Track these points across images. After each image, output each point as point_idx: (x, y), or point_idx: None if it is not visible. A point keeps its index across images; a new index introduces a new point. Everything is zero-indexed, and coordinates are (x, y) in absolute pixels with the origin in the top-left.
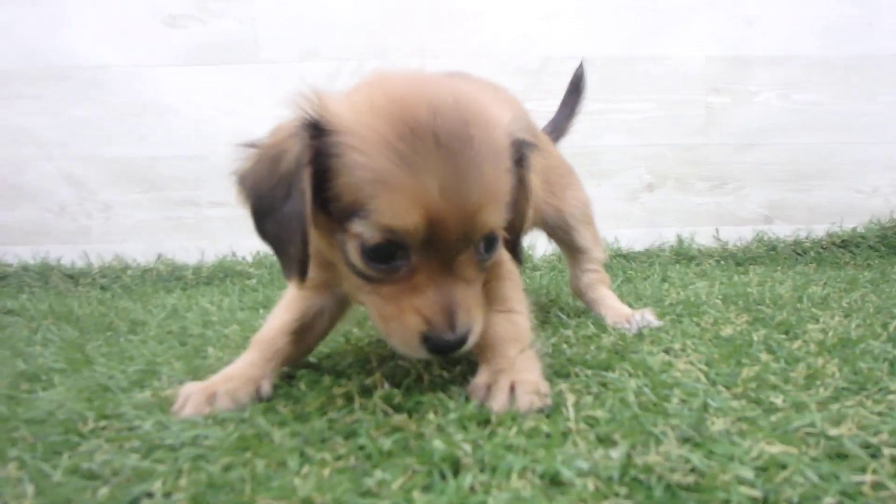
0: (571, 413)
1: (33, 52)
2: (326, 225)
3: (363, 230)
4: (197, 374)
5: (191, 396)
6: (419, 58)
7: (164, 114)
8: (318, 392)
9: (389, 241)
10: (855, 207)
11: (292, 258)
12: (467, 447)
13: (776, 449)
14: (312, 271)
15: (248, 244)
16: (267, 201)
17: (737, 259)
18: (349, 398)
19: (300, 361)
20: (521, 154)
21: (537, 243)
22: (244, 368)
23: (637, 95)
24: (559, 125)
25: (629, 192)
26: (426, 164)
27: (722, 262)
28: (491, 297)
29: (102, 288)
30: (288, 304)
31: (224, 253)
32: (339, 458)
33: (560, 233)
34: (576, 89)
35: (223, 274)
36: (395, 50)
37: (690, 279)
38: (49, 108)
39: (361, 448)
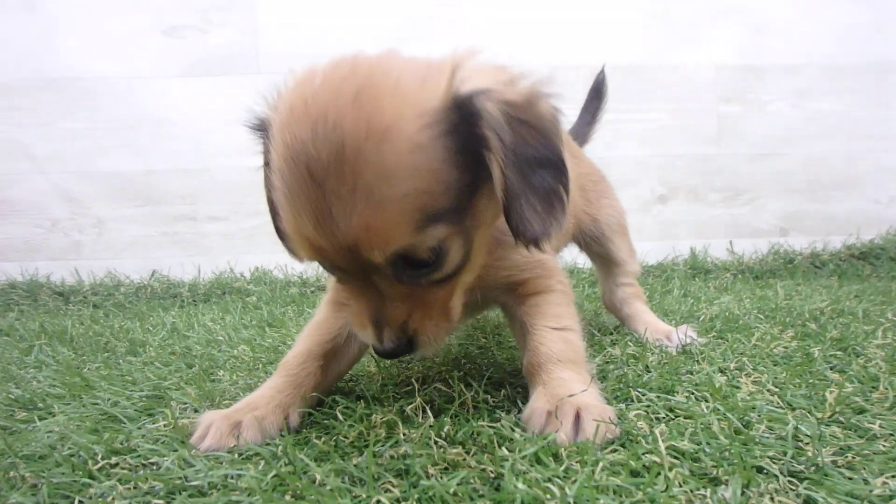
0: (659, 444)
1: (26, 62)
2: None
3: (289, 242)
4: (211, 400)
5: (212, 426)
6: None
7: (161, 126)
8: (354, 420)
9: (308, 254)
10: (872, 217)
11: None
12: (552, 487)
13: None
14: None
15: (248, 260)
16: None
17: (754, 272)
18: (391, 427)
19: (330, 388)
20: (469, 119)
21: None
22: (271, 395)
23: (648, 105)
24: (580, 132)
25: (642, 203)
26: (302, 199)
27: (739, 276)
28: (541, 313)
29: (94, 306)
30: (319, 325)
31: (222, 269)
32: (397, 500)
33: (595, 245)
34: (597, 95)
35: (221, 291)
36: None
37: (713, 294)
38: (42, 121)
39: (423, 490)
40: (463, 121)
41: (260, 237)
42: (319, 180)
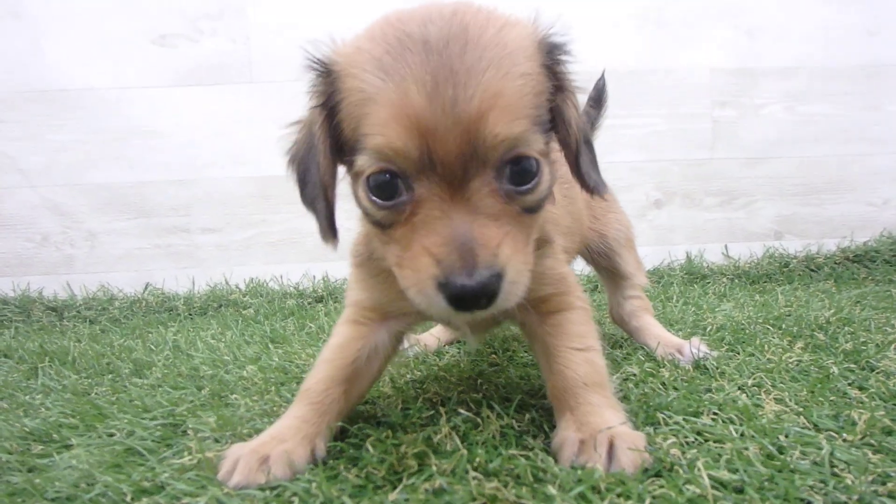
0: (701, 475)
1: (14, 73)
2: (352, 186)
3: (363, 162)
4: (232, 428)
5: (240, 461)
6: None
7: (152, 137)
8: (383, 451)
9: (386, 170)
10: (867, 220)
11: (321, 215)
12: None
13: None
14: (363, 293)
15: (242, 271)
16: (303, 167)
17: (750, 277)
18: (421, 458)
19: (353, 411)
20: (554, 57)
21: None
22: (297, 425)
23: (643, 110)
24: None
25: (637, 209)
26: (412, 70)
27: (736, 281)
28: (563, 333)
29: (90, 321)
30: (339, 348)
31: (217, 281)
32: None
33: (602, 259)
34: (597, 104)
35: (217, 304)
36: None
37: (713, 301)
38: (32, 133)
39: None
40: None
41: (255, 248)
42: (439, 50)
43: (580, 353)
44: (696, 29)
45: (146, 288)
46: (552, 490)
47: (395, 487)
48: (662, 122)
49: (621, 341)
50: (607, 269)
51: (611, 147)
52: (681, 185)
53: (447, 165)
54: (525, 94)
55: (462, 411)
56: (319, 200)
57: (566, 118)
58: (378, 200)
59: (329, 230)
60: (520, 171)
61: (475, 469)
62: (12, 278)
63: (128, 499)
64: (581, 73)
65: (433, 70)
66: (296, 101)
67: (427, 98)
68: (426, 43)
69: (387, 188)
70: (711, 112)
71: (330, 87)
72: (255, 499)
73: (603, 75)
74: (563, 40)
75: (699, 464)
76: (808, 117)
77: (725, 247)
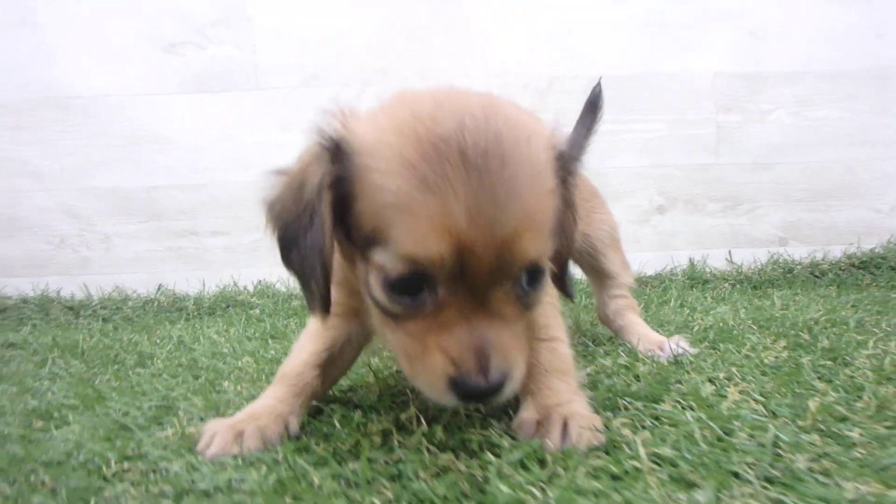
0: (640, 450)
1: (29, 82)
2: (350, 254)
3: (385, 261)
4: (217, 410)
5: (217, 434)
6: (423, 81)
7: (162, 143)
8: (351, 429)
9: (414, 273)
10: (873, 226)
11: (314, 292)
12: (535, 490)
13: (873, 488)
14: (340, 297)
15: (250, 273)
16: (292, 231)
17: (752, 282)
18: (386, 435)
19: (325, 394)
20: (566, 171)
21: None
22: (272, 404)
23: (646, 115)
24: (573, 147)
25: (640, 214)
26: (453, 185)
27: (738, 286)
28: (528, 324)
29: (104, 319)
30: (315, 335)
31: (225, 283)
32: (389, 502)
33: (587, 258)
34: (592, 109)
35: (225, 304)
36: (397, 73)
37: (710, 304)
38: (46, 139)
39: (414, 493)
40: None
41: (261, 251)
42: (479, 166)
43: (545, 342)
44: (700, 32)
45: (159, 289)
46: (491, 457)
47: (358, 460)
48: (666, 127)
49: (604, 339)
50: (593, 268)
51: (613, 152)
52: (684, 190)
53: (476, 276)
54: (550, 211)
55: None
56: (314, 275)
57: (567, 232)
58: (396, 297)
59: (323, 305)
60: (533, 278)
61: (435, 445)
62: (31, 279)
63: (111, 464)
64: (584, 78)
65: (475, 190)
66: (300, 107)
67: (469, 218)
68: (463, 155)
69: (409, 287)
70: (715, 117)
71: (343, 171)
72: (226, 465)
73: (599, 82)
74: (575, 153)
75: (643, 441)
76: (813, 122)
77: (729, 252)
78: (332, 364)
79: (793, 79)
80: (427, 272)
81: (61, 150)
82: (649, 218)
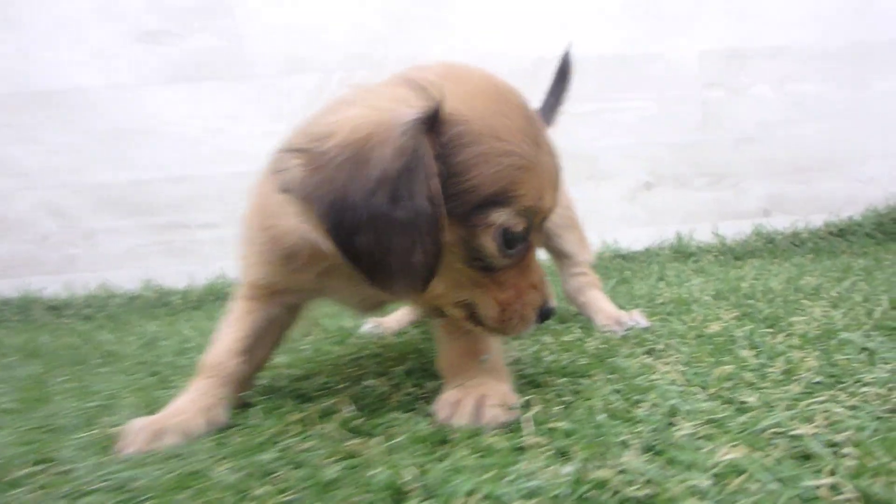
0: (532, 426)
1: (9, 77)
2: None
3: (506, 218)
4: (154, 407)
5: (137, 433)
6: (408, 64)
7: (147, 135)
8: (276, 419)
9: (528, 224)
10: (853, 197)
11: (413, 268)
12: (412, 473)
13: (739, 453)
14: (260, 278)
15: None
16: (360, 211)
17: (735, 253)
18: (307, 424)
19: (254, 379)
20: None
21: None
22: (195, 398)
23: (632, 94)
24: (544, 116)
25: (628, 192)
26: (542, 144)
27: (721, 258)
28: None
29: (86, 318)
30: (236, 320)
31: (216, 275)
32: (281, 491)
33: (545, 240)
34: (562, 77)
35: (213, 297)
36: (382, 59)
37: (687, 276)
38: (28, 136)
39: (305, 479)
40: None
41: None
42: (540, 128)
43: None
44: (685, 11)
45: (145, 285)
46: (398, 440)
47: (273, 447)
48: (653, 106)
49: (569, 317)
50: (550, 249)
51: (602, 132)
52: (671, 167)
53: (542, 223)
54: None
55: (370, 381)
56: (422, 253)
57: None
58: (506, 251)
59: (423, 283)
60: None
61: (351, 431)
62: (15, 279)
63: (24, 467)
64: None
65: (549, 148)
66: (286, 96)
67: (554, 172)
68: (533, 118)
69: (514, 239)
70: (700, 94)
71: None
72: (136, 462)
73: (568, 50)
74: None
75: (547, 417)
76: (796, 97)
77: (716, 226)
78: (257, 348)
79: (775, 55)
80: (534, 222)
81: (44, 147)
82: (638, 195)
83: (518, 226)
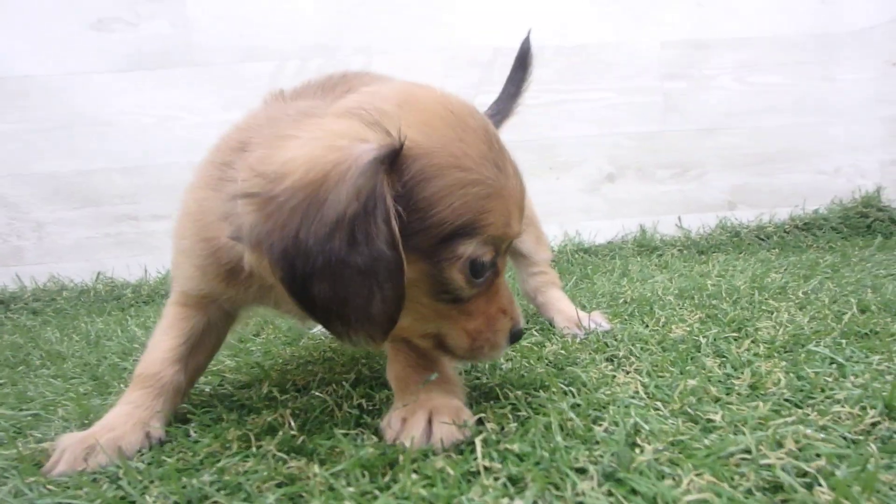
0: (482, 449)
1: None
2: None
3: (474, 248)
4: (89, 418)
5: (66, 450)
6: (364, 55)
7: (98, 124)
8: (214, 436)
9: (495, 252)
10: (818, 189)
11: (373, 318)
12: (360, 502)
13: (704, 481)
14: (194, 282)
15: None
16: (315, 257)
17: (699, 247)
18: (246, 441)
19: (191, 388)
20: None
21: None
22: (129, 411)
23: (594, 84)
24: (503, 106)
25: (590, 183)
26: (506, 169)
27: (685, 252)
28: None
29: (34, 312)
30: (170, 327)
31: (168, 268)
32: None
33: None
34: (521, 65)
35: (165, 291)
36: (336, 48)
37: (651, 272)
38: None
39: None
40: None
41: None
42: (501, 149)
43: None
44: (647, 2)
45: (97, 277)
46: (341, 464)
47: (209, 470)
48: (614, 97)
49: (527, 317)
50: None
51: (563, 122)
52: (634, 158)
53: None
54: None
55: (317, 393)
56: (382, 299)
57: None
58: (474, 280)
59: (385, 332)
60: None
61: (294, 450)
62: None
63: None
64: (532, 49)
65: (512, 171)
66: (238, 85)
67: (518, 212)
68: (494, 140)
69: (482, 268)
70: (663, 85)
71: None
72: (63, 485)
73: (528, 37)
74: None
75: (501, 434)
76: (760, 88)
77: (679, 218)
78: (193, 356)
79: (738, 45)
80: (501, 248)
81: None
82: (600, 187)
83: (486, 255)
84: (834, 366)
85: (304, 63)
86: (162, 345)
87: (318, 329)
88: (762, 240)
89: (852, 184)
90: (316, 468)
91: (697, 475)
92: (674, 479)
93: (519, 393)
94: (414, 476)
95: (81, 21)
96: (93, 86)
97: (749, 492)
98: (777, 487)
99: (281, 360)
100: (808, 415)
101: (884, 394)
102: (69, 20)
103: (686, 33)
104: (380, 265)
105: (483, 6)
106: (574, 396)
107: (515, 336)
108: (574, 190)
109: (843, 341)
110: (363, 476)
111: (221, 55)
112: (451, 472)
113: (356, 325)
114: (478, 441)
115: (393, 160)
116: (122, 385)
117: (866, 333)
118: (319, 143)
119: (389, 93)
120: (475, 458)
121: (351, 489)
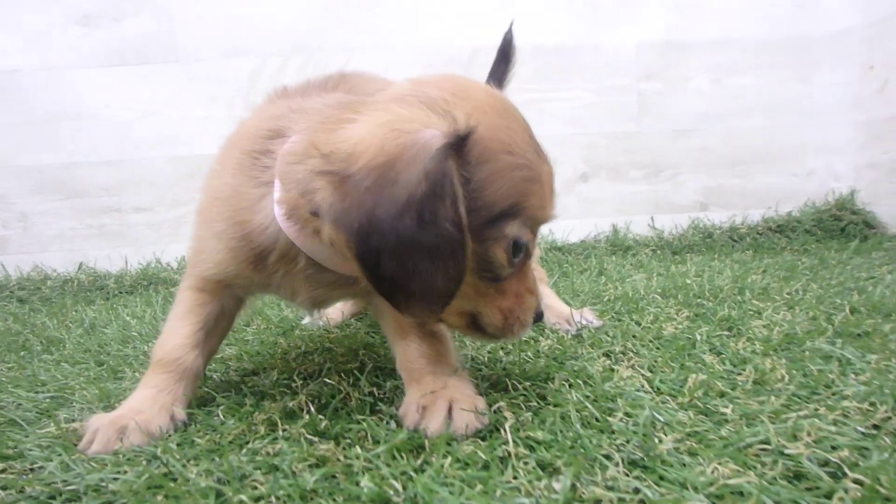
0: (510, 436)
1: None
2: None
3: (516, 230)
4: (109, 401)
5: (99, 431)
6: (344, 53)
7: (81, 118)
8: (239, 419)
9: (532, 233)
10: (791, 191)
11: (436, 292)
12: (398, 484)
13: (729, 470)
14: (227, 269)
15: (174, 249)
16: (387, 235)
17: (673, 248)
18: (272, 425)
19: (206, 367)
20: None
21: None
22: (153, 395)
23: (569, 84)
24: None
25: (564, 182)
26: (542, 154)
27: (658, 252)
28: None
29: (20, 301)
30: (188, 312)
31: (149, 259)
32: (258, 498)
33: None
34: (504, 58)
35: (147, 282)
36: (318, 46)
37: (628, 271)
38: None
39: (283, 487)
40: None
41: (185, 227)
42: (545, 157)
43: (422, 334)
44: (623, 1)
45: (79, 267)
46: (370, 446)
47: (242, 451)
48: (590, 96)
49: None
50: None
51: (538, 122)
52: (608, 158)
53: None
54: None
55: (328, 381)
56: (445, 276)
57: None
58: (512, 259)
59: (442, 307)
60: None
61: (318, 434)
62: None
63: None
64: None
65: (548, 163)
66: (221, 81)
67: (553, 179)
68: (538, 153)
69: (521, 248)
70: (638, 85)
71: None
72: (105, 462)
73: (510, 29)
74: None
75: (521, 425)
76: (735, 90)
77: (652, 219)
78: (208, 340)
79: (713, 47)
80: (538, 230)
81: None
82: (573, 186)
83: (526, 235)
84: (836, 362)
85: (286, 61)
86: (181, 330)
87: (308, 321)
88: (735, 241)
89: (826, 187)
90: (357, 449)
91: (721, 464)
92: (698, 467)
93: (527, 384)
94: (445, 460)
95: (67, 17)
96: (77, 81)
97: (773, 480)
98: (800, 476)
99: (280, 350)
100: (819, 410)
101: (892, 390)
102: (54, 16)
103: (663, 35)
104: (445, 244)
105: (462, 6)
106: (580, 389)
107: (539, 316)
108: None
109: (838, 341)
110: (401, 458)
111: (204, 52)
112: (483, 455)
113: (418, 299)
114: (507, 427)
115: (460, 146)
116: (130, 371)
117: (859, 334)
118: (388, 127)
119: (441, 82)
120: (502, 444)
121: (389, 470)
